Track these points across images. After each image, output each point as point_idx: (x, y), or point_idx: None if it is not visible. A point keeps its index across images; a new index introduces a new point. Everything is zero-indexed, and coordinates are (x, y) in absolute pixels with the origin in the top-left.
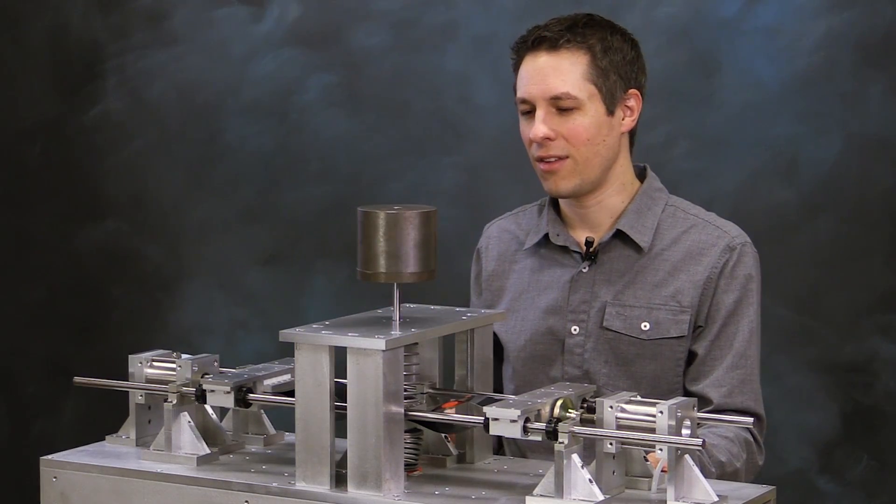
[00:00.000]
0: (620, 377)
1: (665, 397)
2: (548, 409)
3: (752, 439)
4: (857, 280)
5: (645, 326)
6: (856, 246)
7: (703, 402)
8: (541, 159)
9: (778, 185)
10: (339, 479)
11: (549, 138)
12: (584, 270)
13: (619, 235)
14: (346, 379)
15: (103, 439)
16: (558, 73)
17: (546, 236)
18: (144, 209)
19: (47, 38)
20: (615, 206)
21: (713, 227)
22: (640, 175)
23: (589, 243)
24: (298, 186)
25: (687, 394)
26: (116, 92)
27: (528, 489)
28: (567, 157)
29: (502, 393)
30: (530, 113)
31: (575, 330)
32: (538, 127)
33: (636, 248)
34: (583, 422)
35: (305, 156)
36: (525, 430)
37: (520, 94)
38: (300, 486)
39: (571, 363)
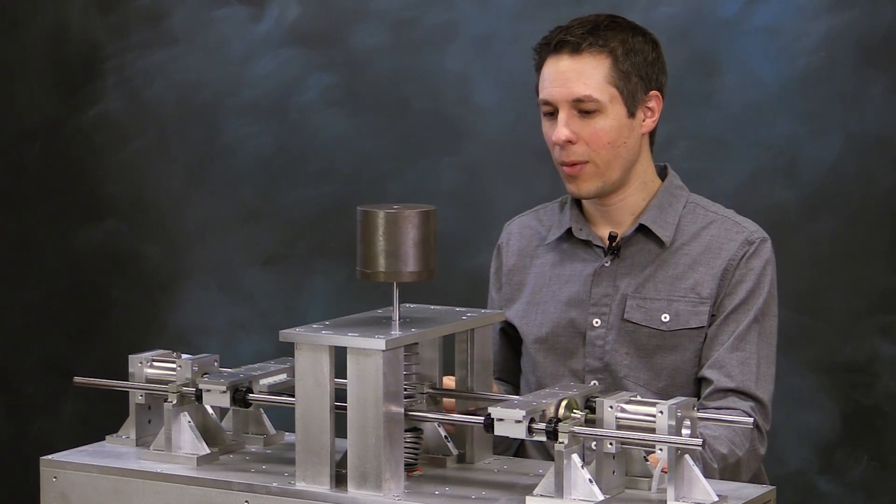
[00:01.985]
0: (641, 368)
1: (684, 388)
2: (552, 409)
3: (757, 430)
4: (857, 280)
5: (665, 318)
6: (856, 246)
7: (707, 384)
8: (563, 163)
9: (778, 185)
10: (339, 479)
11: (570, 141)
12: (607, 265)
13: (642, 230)
14: (346, 379)
15: (103, 439)
16: (580, 76)
17: (568, 231)
18: (144, 209)
19: (47, 38)
20: (636, 203)
21: (732, 222)
22: (661, 174)
23: (612, 237)
24: (298, 186)
25: (697, 381)
26: (115, 92)
27: (528, 489)
28: (588, 161)
29: (519, 386)
30: (553, 115)
31: (597, 322)
32: (560, 130)
33: (658, 242)
34: (586, 422)
35: (305, 156)
36: (530, 430)
37: (542, 95)
38: (300, 486)
39: (592, 355)
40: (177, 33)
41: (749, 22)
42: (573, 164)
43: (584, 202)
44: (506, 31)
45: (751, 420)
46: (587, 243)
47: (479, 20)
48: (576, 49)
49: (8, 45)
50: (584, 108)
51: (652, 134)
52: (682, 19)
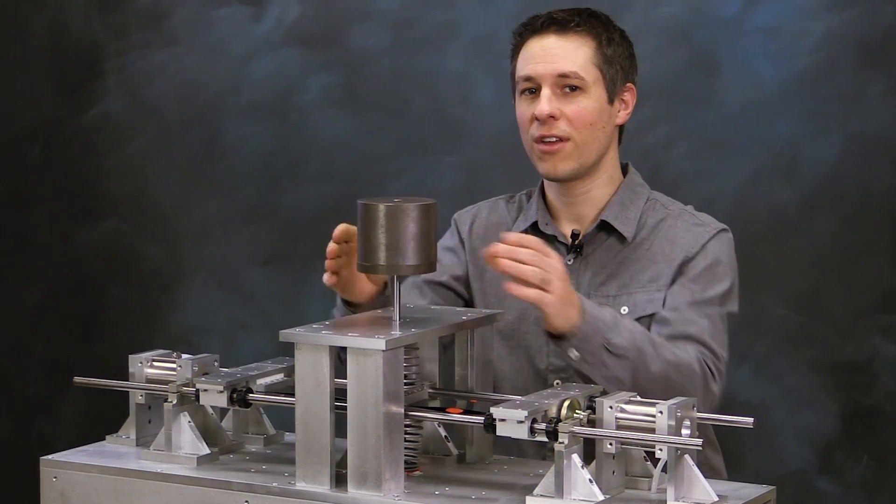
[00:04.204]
0: None
1: None
2: (554, 409)
3: (707, 368)
4: (857, 280)
5: (624, 310)
6: (856, 246)
7: (663, 322)
8: (541, 139)
9: (778, 185)
10: (339, 479)
11: (553, 116)
12: (570, 262)
13: (604, 227)
14: (346, 379)
15: (103, 439)
16: (567, 52)
17: (534, 225)
18: (144, 209)
19: (47, 38)
20: (601, 197)
21: (690, 214)
22: (624, 171)
23: (575, 235)
24: (298, 186)
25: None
26: (116, 92)
27: (528, 489)
28: (568, 139)
29: None
30: (533, 92)
31: None
32: (543, 105)
33: (620, 238)
34: (588, 422)
35: (305, 156)
36: (532, 430)
37: (524, 72)
38: (300, 486)
39: (556, 354)
40: (177, 33)
41: (749, 22)
42: (553, 142)
43: (548, 195)
44: (506, 31)
45: (750, 420)
46: (551, 239)
47: (479, 20)
48: (563, 28)
49: (8, 45)
50: (569, 84)
51: (621, 130)
52: (682, 19)
